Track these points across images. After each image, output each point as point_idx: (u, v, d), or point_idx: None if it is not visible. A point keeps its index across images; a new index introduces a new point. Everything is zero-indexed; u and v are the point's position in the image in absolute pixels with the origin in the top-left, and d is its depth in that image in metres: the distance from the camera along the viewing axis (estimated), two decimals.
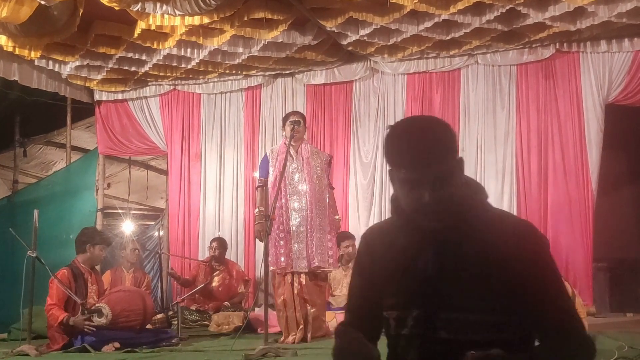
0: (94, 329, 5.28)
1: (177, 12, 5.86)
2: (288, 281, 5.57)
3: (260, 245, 8.03)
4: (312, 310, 5.56)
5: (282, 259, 5.52)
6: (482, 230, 1.85)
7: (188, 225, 8.56)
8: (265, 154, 5.93)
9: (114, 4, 5.63)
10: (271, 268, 5.47)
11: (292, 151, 5.65)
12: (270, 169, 5.72)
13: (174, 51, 7.15)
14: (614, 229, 7.72)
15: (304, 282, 5.56)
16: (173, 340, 5.69)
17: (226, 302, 7.48)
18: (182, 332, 6.13)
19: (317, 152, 5.95)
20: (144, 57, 7.37)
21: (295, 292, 5.55)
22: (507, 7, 6.21)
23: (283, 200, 5.58)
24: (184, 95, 8.70)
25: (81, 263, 5.70)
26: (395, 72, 7.85)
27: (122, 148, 8.94)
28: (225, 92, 8.55)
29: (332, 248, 5.69)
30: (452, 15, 6.33)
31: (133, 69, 7.74)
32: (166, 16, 6.03)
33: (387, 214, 7.62)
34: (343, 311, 6.96)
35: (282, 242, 5.54)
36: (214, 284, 7.70)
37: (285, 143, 5.69)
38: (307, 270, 5.53)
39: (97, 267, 8.28)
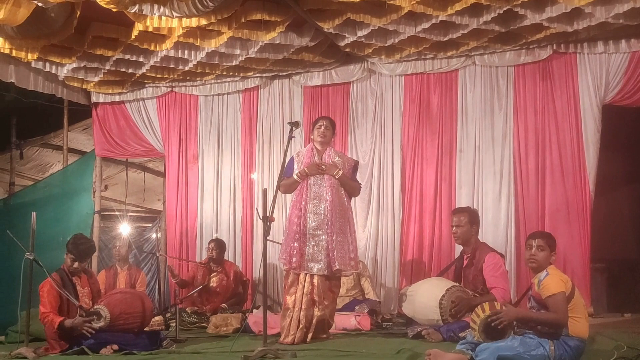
0: (93, 331, 5.23)
1: (175, 14, 5.86)
2: (302, 280, 5.60)
3: (257, 247, 8.06)
4: (317, 313, 5.56)
5: (294, 259, 5.57)
6: None
7: (186, 227, 8.56)
8: (292, 157, 5.96)
9: (112, 6, 5.62)
10: (284, 267, 5.68)
11: (316, 156, 5.75)
12: (296, 171, 5.78)
13: (172, 53, 7.15)
14: (612, 230, 7.74)
15: (316, 284, 5.58)
16: (166, 344, 5.65)
17: (223, 304, 7.46)
18: (180, 334, 6.11)
19: (342, 156, 5.98)
20: (141, 59, 7.37)
21: (306, 291, 5.57)
22: (505, 9, 6.21)
23: (303, 203, 5.64)
24: (182, 97, 8.70)
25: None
26: (393, 74, 7.85)
27: (119, 150, 8.94)
28: (223, 94, 8.56)
29: (353, 251, 5.69)
30: (449, 16, 6.34)
31: (130, 70, 7.74)
32: (163, 18, 6.03)
33: (384, 216, 7.71)
34: (344, 313, 6.94)
35: (296, 243, 5.59)
36: (212, 284, 7.69)
37: (312, 147, 5.81)
38: (322, 274, 5.55)
39: (94, 268, 8.32)
